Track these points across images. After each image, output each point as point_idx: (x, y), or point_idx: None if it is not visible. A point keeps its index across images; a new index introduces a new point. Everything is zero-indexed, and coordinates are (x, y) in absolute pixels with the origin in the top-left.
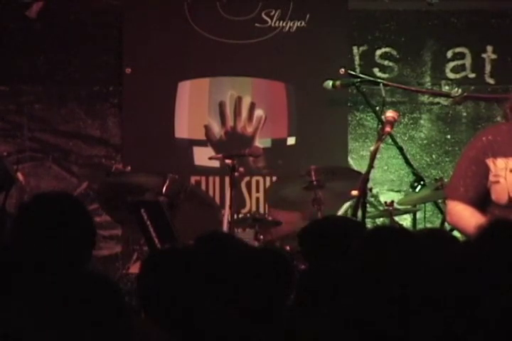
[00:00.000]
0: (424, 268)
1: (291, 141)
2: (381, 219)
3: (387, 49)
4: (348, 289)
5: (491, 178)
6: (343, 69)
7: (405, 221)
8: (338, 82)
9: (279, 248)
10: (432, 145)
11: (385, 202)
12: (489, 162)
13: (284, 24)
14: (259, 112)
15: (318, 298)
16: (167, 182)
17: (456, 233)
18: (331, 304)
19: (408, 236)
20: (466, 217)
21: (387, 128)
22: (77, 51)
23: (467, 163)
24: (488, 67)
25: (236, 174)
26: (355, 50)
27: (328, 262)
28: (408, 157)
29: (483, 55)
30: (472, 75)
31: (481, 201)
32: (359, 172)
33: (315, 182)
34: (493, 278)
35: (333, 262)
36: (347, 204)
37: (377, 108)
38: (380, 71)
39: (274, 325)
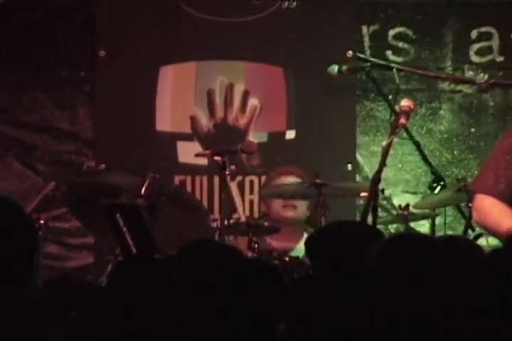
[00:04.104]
0: (447, 281)
1: (290, 134)
2: (395, 225)
3: (401, 28)
4: (360, 305)
5: None
6: (350, 52)
7: (422, 227)
8: (344, 67)
9: (274, 259)
10: (454, 139)
11: (399, 206)
12: None
13: None
14: (253, 101)
15: (320, 317)
16: (146, 182)
17: (481, 241)
18: (338, 323)
19: (431, 246)
20: (494, 213)
21: (402, 120)
22: (43, 30)
23: (501, 153)
24: None
25: (227, 173)
26: (364, 29)
27: (338, 275)
28: (426, 153)
29: None
30: (500, 59)
31: None
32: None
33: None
34: None
35: (343, 274)
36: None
37: (390, 96)
38: (393, 54)
39: None
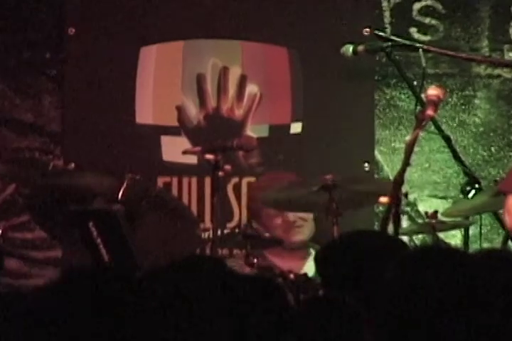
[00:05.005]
0: (482, 304)
1: (296, 128)
2: (420, 236)
3: (428, 1)
4: (380, 330)
5: None
6: (368, 30)
7: (454, 238)
8: (361, 47)
9: (277, 276)
10: (491, 134)
11: (426, 213)
12: None
13: None
14: (252, 88)
15: None
16: (124, 184)
17: None
18: None
19: (463, 261)
20: None
21: (429, 111)
22: (1, 4)
23: None
24: None
25: (220, 174)
26: (384, 2)
27: (354, 294)
28: (458, 150)
29: None
30: None
31: None
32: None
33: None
34: None
35: (359, 294)
36: None
37: (416, 83)
38: (419, 32)
39: None
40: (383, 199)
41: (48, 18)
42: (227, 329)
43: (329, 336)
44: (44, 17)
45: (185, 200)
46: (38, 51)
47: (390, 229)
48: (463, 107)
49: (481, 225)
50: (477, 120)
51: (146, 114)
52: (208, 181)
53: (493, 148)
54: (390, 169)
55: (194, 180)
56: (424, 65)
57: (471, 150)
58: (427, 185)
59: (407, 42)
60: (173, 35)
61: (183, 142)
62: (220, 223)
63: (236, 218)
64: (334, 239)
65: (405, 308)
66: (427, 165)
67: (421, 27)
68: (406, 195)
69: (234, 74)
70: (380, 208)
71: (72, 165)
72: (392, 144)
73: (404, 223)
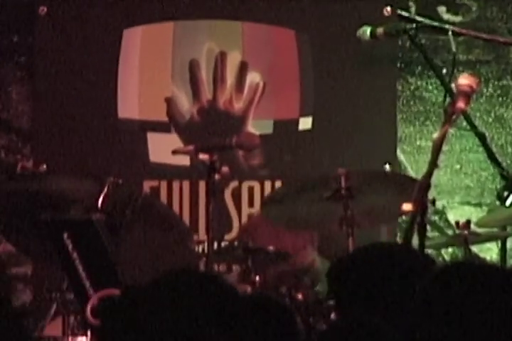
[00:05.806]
0: None
1: (305, 123)
2: (450, 249)
3: None
4: None
5: None
6: (388, 9)
7: (489, 252)
8: (380, 30)
9: (283, 296)
10: None
11: (457, 223)
12: None
13: None
14: (254, 77)
15: None
16: (105, 190)
17: None
18: None
19: (500, 279)
20: None
21: (461, 104)
22: None
23: None
24: None
25: (217, 177)
26: None
27: (372, 317)
28: (494, 150)
29: None
30: None
31: None
32: (414, 180)
33: (343, 191)
34: None
35: (379, 317)
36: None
37: (444, 71)
38: (448, 11)
39: None
40: (407, 207)
41: None
42: None
43: None
44: None
45: (175, 208)
46: (3, 34)
47: (415, 241)
48: (500, 99)
49: None
50: None
51: (130, 107)
52: (202, 185)
53: None
54: (414, 171)
55: (186, 183)
56: (454, 50)
57: (510, 149)
58: (458, 190)
59: (435, 23)
60: (162, 15)
61: (173, 140)
62: (217, 234)
63: (235, 228)
64: (349, 254)
65: (434, 333)
66: (457, 166)
67: (451, 6)
68: (433, 201)
69: (233, 60)
70: (403, 217)
71: (44, 166)
72: (418, 142)
73: (431, 234)
